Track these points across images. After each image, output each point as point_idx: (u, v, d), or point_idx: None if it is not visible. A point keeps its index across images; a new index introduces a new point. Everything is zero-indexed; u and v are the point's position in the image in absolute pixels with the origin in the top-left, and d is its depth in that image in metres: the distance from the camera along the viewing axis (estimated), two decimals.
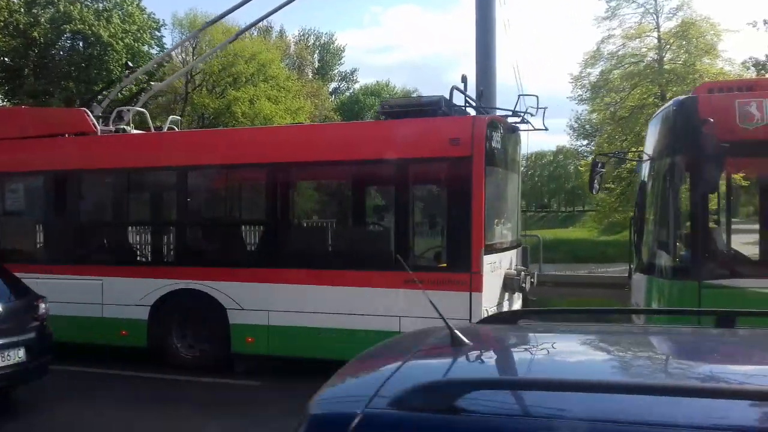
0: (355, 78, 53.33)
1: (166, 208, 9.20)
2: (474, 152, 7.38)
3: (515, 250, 8.95)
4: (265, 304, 8.04)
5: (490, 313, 7.42)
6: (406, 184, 7.94)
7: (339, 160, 8.06)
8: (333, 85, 53.91)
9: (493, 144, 7.74)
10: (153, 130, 10.24)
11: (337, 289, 7.80)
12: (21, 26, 29.23)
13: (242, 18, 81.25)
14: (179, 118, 10.50)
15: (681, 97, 6.73)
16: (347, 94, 51.21)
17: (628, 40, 26.51)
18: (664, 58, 26.20)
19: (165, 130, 9.88)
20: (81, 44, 31.80)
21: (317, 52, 53.98)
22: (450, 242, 7.76)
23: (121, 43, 31.51)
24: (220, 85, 36.43)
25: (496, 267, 7.84)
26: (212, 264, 8.39)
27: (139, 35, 32.71)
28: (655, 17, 26.68)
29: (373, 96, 50.48)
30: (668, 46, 26.16)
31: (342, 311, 7.76)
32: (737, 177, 6.69)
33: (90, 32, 30.43)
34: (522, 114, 8.32)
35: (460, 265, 7.42)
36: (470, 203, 7.37)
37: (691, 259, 6.52)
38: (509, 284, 8.13)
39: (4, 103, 30.17)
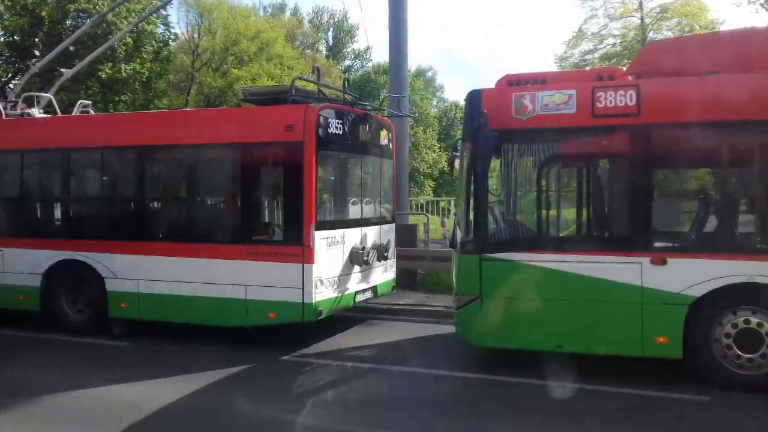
0: (368, 56, 53.71)
1: (55, 187, 10.29)
2: (305, 138, 8.19)
3: (378, 227, 9.75)
4: (134, 273, 9.08)
5: (323, 283, 8.37)
6: (251, 166, 8.90)
7: (195, 144, 9.02)
8: (347, 63, 54.45)
9: (332, 130, 8.51)
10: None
11: (194, 260, 8.77)
12: (28, 5, 30.68)
13: None
14: (89, 102, 11.48)
15: (472, 90, 7.37)
16: (359, 73, 51.60)
17: (611, 20, 26.54)
18: (647, 39, 26.09)
19: (75, 113, 10.95)
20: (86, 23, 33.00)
21: (331, 30, 54.60)
22: (286, 219, 8.66)
23: (126, 23, 32.60)
24: (224, 63, 37.50)
25: (335, 242, 8.65)
26: (92, 237, 9.49)
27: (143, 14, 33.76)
28: None
29: (385, 74, 50.85)
30: (651, 26, 26.05)
31: (197, 280, 8.74)
32: (514, 161, 7.33)
33: (95, 11, 31.63)
34: (368, 104, 9.12)
35: (294, 240, 8.29)
36: (302, 184, 8.20)
37: (472, 235, 7.24)
38: (354, 258, 8.94)
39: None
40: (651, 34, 26.36)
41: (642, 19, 26.75)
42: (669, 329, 6.60)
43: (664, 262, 6.60)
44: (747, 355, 6.48)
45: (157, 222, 9.68)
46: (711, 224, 7.03)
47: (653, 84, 6.87)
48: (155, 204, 9.90)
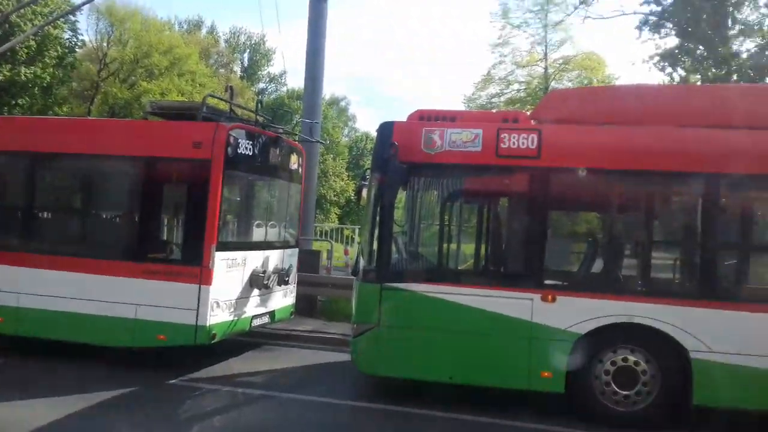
0: (283, 81, 53.59)
1: None
2: (213, 156, 8.03)
3: (281, 251, 9.65)
4: (14, 286, 8.50)
5: (219, 305, 8.16)
6: (155, 181, 8.64)
7: (95, 154, 8.62)
8: (261, 85, 54.08)
9: (241, 151, 8.39)
10: None
11: (81, 275, 8.31)
12: None
13: (161, 9, 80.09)
14: None
15: (384, 122, 7.52)
16: (273, 96, 51.33)
17: (518, 67, 27.87)
18: (550, 87, 27.53)
19: None
20: None
21: (247, 51, 54.18)
22: (187, 237, 8.44)
23: (30, 25, 31.03)
24: (133, 74, 36.34)
25: (236, 263, 8.48)
26: None
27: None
28: (544, 48, 28.12)
29: (299, 100, 50.83)
30: (553, 76, 27.54)
31: (85, 297, 8.29)
32: (420, 193, 7.53)
33: None
34: (280, 128, 9.09)
35: (192, 259, 8.05)
36: (206, 203, 8.01)
37: (375, 264, 7.31)
38: (254, 281, 8.79)
39: None
40: (553, 83, 27.94)
41: (546, 68, 28.36)
42: (554, 364, 6.88)
43: (553, 300, 6.91)
44: (623, 392, 6.84)
45: (45, 233, 9.16)
46: (598, 265, 7.43)
47: (553, 130, 7.25)
48: (44, 214, 9.39)
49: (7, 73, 29.98)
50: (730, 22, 18.03)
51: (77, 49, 35.09)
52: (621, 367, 6.85)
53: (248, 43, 53.92)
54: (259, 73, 54.45)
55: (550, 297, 6.91)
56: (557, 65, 28.54)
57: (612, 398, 6.85)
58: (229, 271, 8.35)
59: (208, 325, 7.91)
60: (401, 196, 7.45)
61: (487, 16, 43.97)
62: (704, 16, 17.49)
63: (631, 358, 6.85)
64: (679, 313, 6.69)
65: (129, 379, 7.72)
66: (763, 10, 17.90)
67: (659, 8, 19.14)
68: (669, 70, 18.82)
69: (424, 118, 7.69)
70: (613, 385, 6.85)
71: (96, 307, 8.20)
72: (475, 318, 7.01)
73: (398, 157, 7.11)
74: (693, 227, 7.29)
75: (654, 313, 6.71)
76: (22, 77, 30.58)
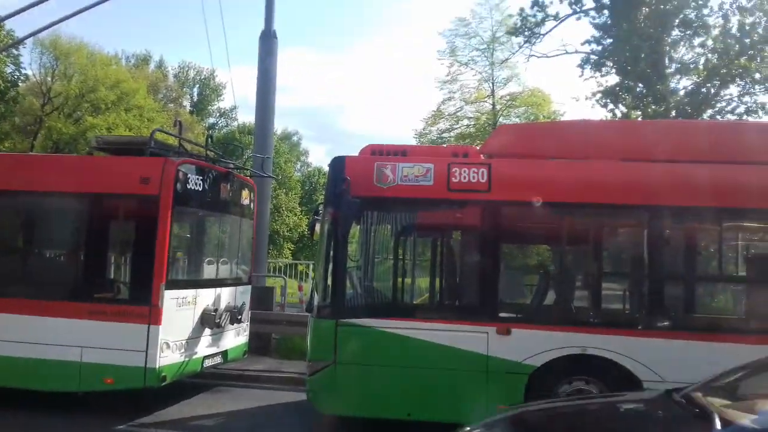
0: (234, 116, 53.31)
1: None
2: (162, 192, 7.87)
3: (233, 288, 9.46)
4: None
5: (170, 346, 7.90)
6: (100, 218, 8.39)
7: (36, 191, 8.33)
8: (211, 120, 53.65)
9: (191, 186, 8.26)
10: None
11: (24, 317, 7.96)
12: None
13: (108, 44, 79.37)
14: None
15: (336, 156, 7.52)
16: (223, 131, 50.95)
17: (466, 103, 28.41)
18: (498, 122, 28.13)
19: None
20: None
21: (197, 86, 53.82)
22: (134, 276, 8.20)
23: None
24: (78, 109, 35.62)
25: (186, 302, 8.26)
26: None
27: None
28: (491, 84, 28.80)
29: (250, 135, 50.56)
30: (501, 112, 28.17)
31: (26, 340, 7.92)
32: (373, 228, 7.53)
33: None
34: (231, 163, 8.98)
35: (141, 299, 7.81)
36: (155, 240, 7.81)
37: (329, 299, 7.23)
38: (205, 320, 8.57)
39: None
40: (501, 119, 28.54)
41: (494, 105, 29.02)
42: (511, 397, 6.87)
43: (508, 332, 6.94)
44: None
45: None
46: (550, 297, 7.53)
47: (503, 163, 7.39)
48: None
49: None
50: (667, 61, 18.83)
51: (20, 83, 34.30)
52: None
53: (198, 77, 53.63)
54: (210, 107, 54.12)
55: (505, 330, 6.94)
56: (504, 101, 29.26)
57: None
58: (180, 310, 8.12)
59: (157, 366, 7.65)
60: (354, 230, 7.43)
61: (435, 53, 45.17)
62: (642, 55, 18.19)
63: (586, 389, 6.90)
64: (630, 343, 6.81)
65: (75, 427, 7.39)
66: (698, 50, 18.77)
67: (600, 47, 19.85)
68: (611, 106, 19.45)
69: (375, 152, 7.73)
70: None
71: (39, 351, 7.84)
72: (431, 353, 6.97)
73: (351, 192, 7.11)
74: (641, 258, 7.47)
75: (606, 344, 6.80)
76: None
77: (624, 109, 19.37)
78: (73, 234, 8.61)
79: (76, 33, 37.93)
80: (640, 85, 18.78)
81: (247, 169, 11.01)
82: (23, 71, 34.10)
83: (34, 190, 8.33)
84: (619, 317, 7.52)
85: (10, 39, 31.75)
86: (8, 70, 33.19)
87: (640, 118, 18.80)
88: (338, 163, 7.44)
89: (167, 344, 7.85)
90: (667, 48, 18.57)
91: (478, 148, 8.43)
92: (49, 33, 33.38)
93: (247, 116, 53.99)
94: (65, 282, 8.39)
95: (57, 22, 10.03)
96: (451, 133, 29.18)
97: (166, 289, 7.79)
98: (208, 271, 9.26)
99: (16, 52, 32.93)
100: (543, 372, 6.87)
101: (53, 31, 32.87)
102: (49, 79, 35.50)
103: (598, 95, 19.44)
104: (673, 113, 17.84)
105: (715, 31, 17.95)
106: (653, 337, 6.81)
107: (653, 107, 18.38)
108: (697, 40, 18.49)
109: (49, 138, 34.75)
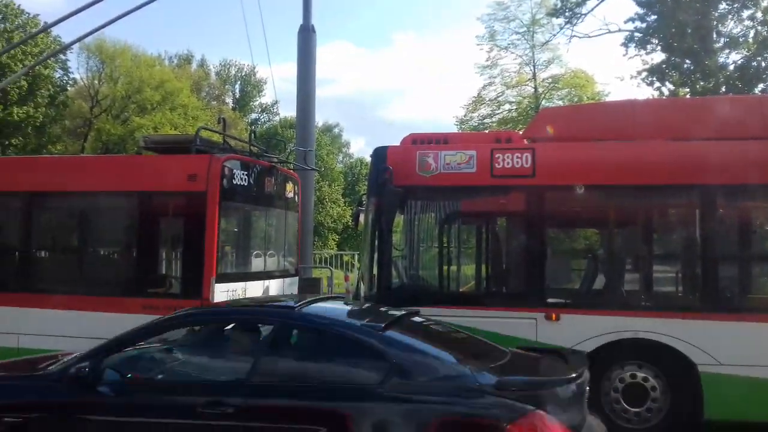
0: (275, 110, 53.82)
1: None
2: (209, 188, 8.00)
3: (281, 280, 9.60)
4: (15, 327, 8.40)
5: None
6: (151, 215, 8.58)
7: (91, 191, 8.58)
8: (253, 116, 54.31)
9: (236, 181, 8.38)
10: None
11: (82, 314, 8.22)
12: None
13: (151, 45, 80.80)
14: None
15: (378, 147, 7.54)
16: (266, 126, 51.55)
17: (507, 88, 28.08)
18: (540, 106, 27.73)
19: None
20: None
21: (238, 83, 54.51)
22: (185, 271, 8.35)
23: (20, 65, 31.20)
24: (126, 110, 36.52)
25: (236, 295, 8.40)
26: None
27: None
28: (532, 68, 28.38)
29: (292, 128, 51.00)
30: (543, 95, 27.75)
31: (85, 335, 8.17)
32: (417, 216, 7.53)
33: None
34: (274, 157, 9.10)
35: (192, 293, 7.96)
36: (203, 235, 7.95)
37: (376, 289, 7.27)
38: None
39: None
40: (543, 102, 28.12)
41: (535, 88, 28.61)
42: None
43: (557, 318, 6.86)
44: (634, 409, 6.77)
45: (43, 272, 9.05)
46: (600, 282, 7.40)
47: (547, 148, 7.28)
48: (42, 253, 9.33)
49: (0, 114, 30.16)
50: (714, 35, 18.25)
51: (69, 88, 35.39)
52: (629, 384, 6.79)
53: (239, 74, 54.25)
54: (251, 103, 54.70)
55: (553, 315, 6.87)
56: (546, 84, 28.83)
57: (623, 416, 6.78)
58: None
59: None
60: (399, 219, 7.44)
61: (473, 39, 44.84)
62: (689, 30, 17.69)
63: (640, 375, 6.78)
64: (685, 326, 6.64)
65: None
66: (747, 23, 18.14)
67: (644, 25, 19.38)
68: (657, 84, 18.99)
69: (417, 141, 7.72)
70: (623, 402, 6.77)
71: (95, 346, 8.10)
72: None
73: (393, 182, 7.11)
74: (694, 239, 7.29)
75: (659, 328, 6.66)
76: (15, 117, 30.76)
77: (671, 87, 18.88)
78: (124, 231, 8.85)
79: (119, 36, 38.61)
80: (688, 61, 18.29)
81: (291, 163, 11.12)
82: (71, 76, 35.32)
83: (87, 191, 8.59)
84: (672, 300, 7.36)
85: (58, 45, 32.77)
86: (57, 75, 34.31)
87: (688, 96, 18.28)
88: (380, 153, 7.45)
89: None
90: (715, 22, 18.01)
91: (521, 132, 8.31)
92: (95, 37, 34.22)
93: (288, 110, 54.69)
94: (119, 278, 8.66)
95: (101, 27, 10.26)
96: (493, 119, 28.93)
97: (216, 282, 7.94)
98: (256, 264, 9.41)
99: (63, 57, 34.04)
100: (594, 357, 6.75)
101: (98, 36, 33.72)
102: (96, 82, 36.53)
103: (644, 73, 19.01)
104: (723, 89, 17.30)
105: (765, 3, 17.31)
106: (708, 320, 6.64)
107: (702, 83, 17.87)
108: (745, 13, 17.91)
109: (99, 139, 35.77)
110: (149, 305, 8.07)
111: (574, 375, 4.38)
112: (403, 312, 5.25)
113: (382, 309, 5.71)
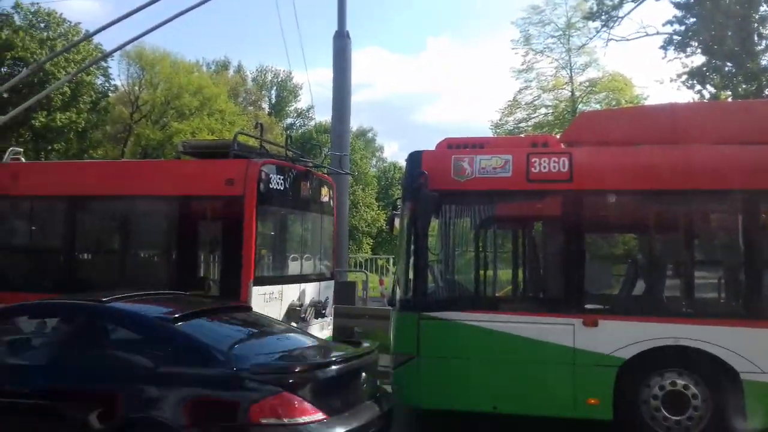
0: (310, 115, 54.31)
1: None
2: (246, 192, 8.13)
3: (317, 284, 9.67)
4: None
5: None
6: (190, 219, 8.77)
7: (132, 195, 8.77)
8: (288, 120, 54.87)
9: (273, 185, 8.49)
10: None
11: None
12: None
13: (189, 52, 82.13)
14: (20, 149, 10.93)
15: (413, 151, 7.55)
16: (301, 131, 52.03)
17: (544, 91, 27.85)
18: (577, 110, 27.43)
19: (5, 161, 10.53)
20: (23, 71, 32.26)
21: (274, 88, 55.13)
22: (223, 274, 8.48)
23: (63, 72, 32.01)
24: (165, 116, 37.23)
25: (273, 297, 8.51)
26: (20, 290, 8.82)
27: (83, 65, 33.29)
28: (569, 71, 28.09)
29: (327, 133, 51.39)
30: (580, 99, 27.44)
31: None
32: (452, 221, 7.50)
33: (32, 59, 31.00)
34: (310, 161, 9.18)
35: (230, 295, 8.09)
36: (241, 238, 8.07)
37: (411, 293, 7.28)
38: (291, 314, 8.81)
39: None
40: (581, 106, 27.80)
41: (572, 92, 28.32)
42: (600, 390, 6.72)
43: (595, 324, 6.78)
44: (674, 417, 6.64)
45: (84, 275, 9.23)
46: (639, 287, 7.30)
47: (584, 152, 7.20)
48: (83, 256, 9.57)
49: (43, 120, 30.98)
50: (756, 38, 17.83)
51: (110, 94, 36.25)
52: (670, 391, 6.67)
53: (275, 80, 54.94)
54: (287, 108, 55.34)
55: (591, 321, 6.78)
56: (584, 88, 28.49)
57: (663, 424, 6.65)
58: (267, 305, 8.36)
59: None
60: (434, 224, 7.42)
61: (508, 43, 44.78)
62: (729, 33, 17.32)
63: (680, 382, 6.66)
64: (727, 333, 6.50)
65: None
66: None
67: (682, 27, 19.02)
68: (698, 87, 18.62)
69: (452, 146, 7.72)
70: (663, 410, 6.66)
71: None
72: (515, 345, 6.89)
73: (428, 186, 7.11)
74: (737, 245, 7.14)
75: (701, 335, 6.53)
76: (58, 123, 31.58)
77: (712, 90, 18.49)
78: (164, 235, 9.04)
79: (159, 43, 39.55)
80: (729, 64, 17.89)
81: (326, 167, 11.22)
82: (112, 82, 36.17)
83: (127, 195, 8.79)
84: (714, 307, 7.20)
85: (99, 52, 33.50)
86: (98, 81, 35.15)
87: (730, 99, 17.88)
88: (415, 157, 7.46)
89: None
90: (756, 24, 17.58)
91: (557, 137, 8.24)
92: (135, 45, 34.87)
93: (323, 115, 54.98)
94: (158, 281, 8.79)
95: (142, 35, 10.55)
96: (529, 123, 28.73)
97: (253, 285, 8.05)
98: (293, 267, 9.50)
99: (105, 64, 34.87)
100: (633, 364, 6.67)
101: (138, 43, 34.36)
102: (137, 88, 37.34)
103: (684, 77, 18.66)
104: (767, 92, 16.88)
105: None
106: (751, 327, 6.49)
107: (744, 86, 17.48)
108: None
109: (138, 144, 36.56)
110: None
111: (331, 360, 5.15)
112: (226, 305, 6.48)
113: (200, 303, 6.63)
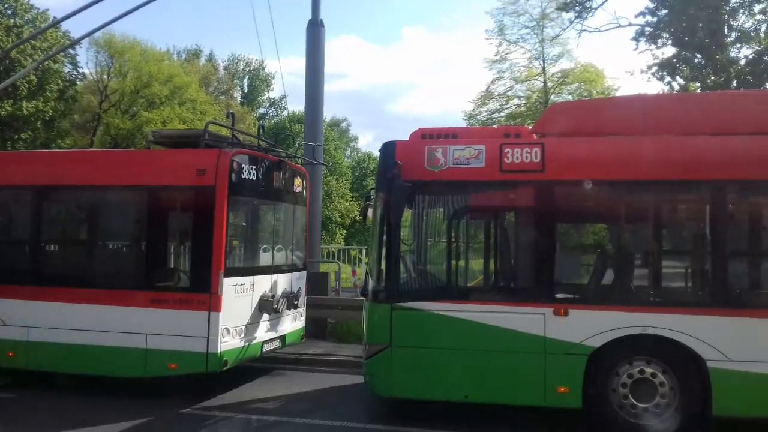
0: (283, 105, 53.91)
1: None
2: (217, 182, 8.04)
3: (289, 275, 9.62)
4: (24, 320, 8.48)
5: (230, 332, 8.11)
6: (160, 210, 8.64)
7: (99, 185, 8.64)
8: (261, 110, 54.39)
9: (245, 176, 8.40)
10: None
11: (90, 307, 8.29)
12: None
13: (160, 40, 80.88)
14: None
15: (387, 141, 7.51)
16: (273, 121, 51.60)
17: (517, 82, 27.96)
18: (550, 101, 27.59)
19: None
20: None
21: (246, 77, 54.57)
22: (194, 265, 8.38)
23: (30, 60, 31.27)
24: (134, 105, 36.60)
25: (244, 289, 8.44)
26: None
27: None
28: (542, 62, 28.24)
29: (300, 123, 51.02)
30: (553, 90, 27.61)
31: (94, 328, 8.26)
32: (426, 211, 7.51)
33: None
34: (283, 151, 9.09)
35: (201, 286, 8.02)
36: (212, 229, 7.99)
37: (384, 283, 7.27)
38: (263, 306, 8.74)
39: None
40: (553, 97, 28.02)
41: (545, 82, 28.47)
42: (570, 379, 6.80)
43: (566, 313, 6.85)
44: (642, 405, 6.75)
45: (52, 266, 9.14)
46: (608, 277, 7.38)
47: (557, 143, 7.25)
48: (51, 246, 9.39)
49: (9, 108, 30.28)
50: (726, 30, 18.09)
51: (78, 82, 35.50)
52: (638, 379, 6.77)
53: (247, 69, 54.42)
54: (259, 98, 54.88)
55: (562, 311, 6.85)
56: (556, 79, 28.66)
57: (631, 411, 6.76)
58: (238, 297, 8.31)
59: (219, 352, 7.86)
60: (407, 214, 7.42)
61: (482, 34, 44.73)
62: (700, 25, 17.53)
63: (648, 370, 6.76)
64: (693, 322, 6.62)
65: (141, 410, 7.66)
66: (759, 17, 17.97)
67: (654, 19, 19.21)
68: (668, 79, 18.85)
69: (426, 136, 7.71)
70: (631, 398, 6.76)
71: (106, 339, 8.17)
72: (487, 335, 6.94)
73: (402, 176, 7.11)
74: (702, 235, 7.25)
75: (668, 323, 6.64)
76: (24, 112, 30.87)
77: (682, 81, 18.75)
78: (134, 226, 8.89)
79: (128, 31, 38.83)
80: (699, 55, 18.15)
81: (299, 157, 11.13)
82: (80, 70, 35.45)
83: (96, 185, 8.64)
84: (681, 296, 7.32)
85: (67, 39, 32.82)
86: (66, 69, 34.41)
87: (699, 90, 18.14)
88: (389, 147, 7.43)
89: (227, 330, 8.05)
90: (726, 16, 17.84)
91: (530, 128, 8.28)
92: (103, 32, 34.39)
93: (296, 105, 54.65)
94: (128, 272, 8.71)
95: (110, 22, 10.29)
96: (502, 114, 28.83)
97: (224, 276, 7.98)
98: (265, 258, 9.43)
99: (73, 52, 34.13)
100: (603, 353, 6.76)
101: (107, 31, 33.82)
102: (105, 76, 36.61)
103: (654, 68, 18.88)
104: (735, 83, 17.15)
105: None
106: (717, 315, 6.61)
107: (713, 78, 17.75)
108: (757, 7, 17.73)
109: (108, 134, 35.90)
110: (158, 299, 8.15)
111: None
112: None
113: None
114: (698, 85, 18.48)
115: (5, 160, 10.38)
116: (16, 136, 31.61)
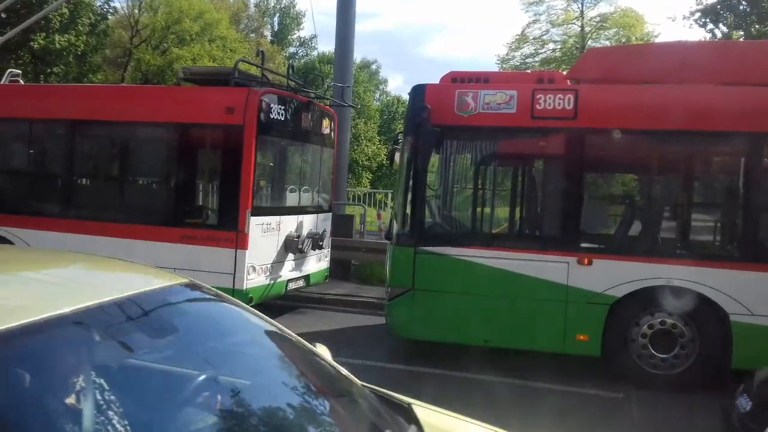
0: (314, 45, 53.20)
1: None
2: (246, 121, 8.06)
3: (314, 216, 9.71)
4: None
5: (256, 269, 8.28)
6: (189, 147, 8.73)
7: (130, 121, 8.72)
8: (291, 50, 53.82)
9: (273, 116, 8.40)
10: None
11: (120, 240, 8.47)
12: None
13: None
14: (19, 71, 10.76)
15: (416, 84, 7.42)
16: (303, 60, 51.10)
17: (553, 26, 27.20)
18: (587, 46, 26.86)
19: (3, 82, 10.38)
20: None
21: (277, 15, 53.83)
22: (222, 203, 8.53)
23: None
24: (165, 41, 36.50)
25: (271, 228, 8.56)
26: (13, 212, 9.04)
27: None
28: (580, 5, 27.36)
29: (330, 64, 50.43)
30: (590, 35, 26.83)
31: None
32: (453, 156, 7.45)
33: None
34: (312, 92, 9.05)
35: (228, 224, 8.16)
36: (240, 168, 8.07)
37: (408, 227, 7.31)
38: (288, 245, 8.88)
39: None
40: (590, 42, 27.22)
41: (582, 27, 27.65)
42: (590, 327, 6.85)
43: (589, 263, 6.84)
44: (661, 355, 6.78)
45: (82, 199, 9.29)
46: (635, 228, 7.32)
47: (591, 90, 7.09)
48: (81, 180, 9.56)
49: (42, 42, 30.36)
50: None
51: (109, 17, 35.34)
52: (658, 330, 6.79)
53: (278, 6, 53.52)
54: (289, 37, 54.09)
55: (586, 260, 6.84)
56: (594, 23, 27.80)
57: (649, 361, 6.81)
58: (265, 236, 8.43)
59: (245, 288, 8.04)
60: (434, 159, 7.40)
61: None
62: None
63: (669, 321, 6.77)
64: (719, 275, 6.57)
65: None
66: None
67: None
68: (710, 26, 18.19)
69: (457, 80, 7.57)
70: (650, 348, 6.79)
71: None
72: (510, 282, 6.98)
73: (431, 121, 7.04)
74: (735, 188, 7.12)
75: (693, 276, 6.60)
76: (57, 45, 30.97)
77: (725, 29, 18.06)
78: (162, 162, 9.01)
79: None
80: (744, 2, 17.39)
81: (328, 99, 11.08)
82: (112, 4, 35.30)
83: (128, 120, 8.72)
84: (708, 249, 7.24)
85: None
86: (98, 3, 34.28)
87: (742, 39, 17.48)
88: (418, 91, 7.34)
89: (253, 267, 8.21)
90: None
91: (564, 73, 8.09)
92: None
93: (326, 45, 53.90)
94: (158, 208, 8.86)
95: None
96: (536, 58, 28.20)
97: (251, 215, 8.09)
98: (291, 199, 9.52)
99: None
100: (625, 303, 6.77)
101: None
102: (137, 11, 36.42)
103: (697, 14, 18.18)
104: None
105: None
106: (743, 270, 6.54)
107: (757, 27, 17.05)
108: None
109: (138, 69, 35.94)
110: (187, 235, 8.31)
111: None
112: None
113: None
114: (742, 33, 17.79)
115: (37, 93, 10.51)
116: (49, 70, 31.82)
